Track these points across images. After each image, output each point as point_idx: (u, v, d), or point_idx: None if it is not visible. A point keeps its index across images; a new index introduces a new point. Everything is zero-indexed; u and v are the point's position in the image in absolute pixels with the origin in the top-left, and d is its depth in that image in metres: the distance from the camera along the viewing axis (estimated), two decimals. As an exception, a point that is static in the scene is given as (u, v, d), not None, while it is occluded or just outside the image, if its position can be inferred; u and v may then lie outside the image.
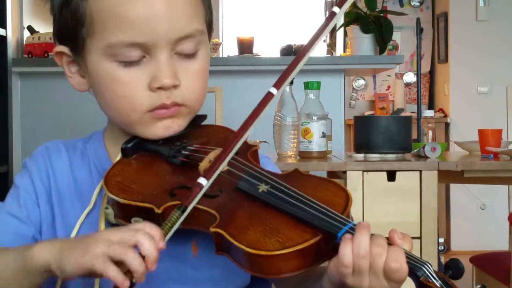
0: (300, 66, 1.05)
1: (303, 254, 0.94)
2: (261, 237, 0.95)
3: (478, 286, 0.98)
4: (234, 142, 1.04)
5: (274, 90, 1.04)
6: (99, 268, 0.92)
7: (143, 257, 0.93)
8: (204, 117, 1.25)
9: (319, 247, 0.95)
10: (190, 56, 1.15)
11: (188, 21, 1.13)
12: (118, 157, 1.17)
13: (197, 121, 1.22)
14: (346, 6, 1.06)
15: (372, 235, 0.95)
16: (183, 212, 0.98)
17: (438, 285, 0.90)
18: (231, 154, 1.04)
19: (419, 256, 0.97)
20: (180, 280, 1.13)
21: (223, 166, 1.03)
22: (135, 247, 0.94)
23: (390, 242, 0.95)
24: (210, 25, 1.21)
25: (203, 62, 1.18)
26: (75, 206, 1.19)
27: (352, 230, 0.95)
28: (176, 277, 1.13)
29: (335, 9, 1.05)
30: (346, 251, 0.94)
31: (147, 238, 0.93)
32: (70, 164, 1.23)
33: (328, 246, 0.95)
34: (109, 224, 1.13)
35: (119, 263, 0.93)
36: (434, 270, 0.91)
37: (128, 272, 0.92)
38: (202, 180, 1.00)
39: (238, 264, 0.97)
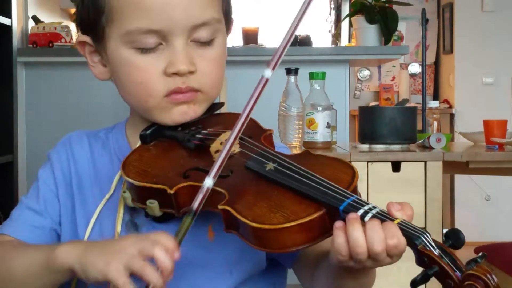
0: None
1: (308, 228, 0.96)
2: (266, 212, 0.97)
3: (480, 253, 0.95)
4: (239, 121, 1.05)
5: (268, 72, 1.03)
6: (120, 285, 0.96)
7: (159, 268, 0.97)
8: (221, 105, 1.28)
9: (323, 221, 0.97)
10: (206, 43, 1.17)
11: (204, 9, 1.15)
12: (138, 144, 1.20)
13: (213, 108, 1.25)
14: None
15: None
16: (193, 216, 1.01)
17: (437, 253, 0.90)
18: (237, 131, 1.04)
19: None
20: (195, 262, 1.15)
21: (232, 146, 1.04)
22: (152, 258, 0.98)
23: (389, 215, 0.94)
24: (227, 15, 1.23)
25: (220, 49, 1.20)
26: (95, 193, 1.22)
27: (355, 203, 0.95)
28: (190, 259, 1.14)
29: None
30: (340, 242, 0.94)
31: (163, 251, 0.97)
32: (91, 152, 1.27)
33: (333, 221, 0.96)
34: (128, 208, 1.17)
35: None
36: (433, 239, 0.91)
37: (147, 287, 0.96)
38: (208, 182, 1.02)
39: (246, 241, 0.99)
